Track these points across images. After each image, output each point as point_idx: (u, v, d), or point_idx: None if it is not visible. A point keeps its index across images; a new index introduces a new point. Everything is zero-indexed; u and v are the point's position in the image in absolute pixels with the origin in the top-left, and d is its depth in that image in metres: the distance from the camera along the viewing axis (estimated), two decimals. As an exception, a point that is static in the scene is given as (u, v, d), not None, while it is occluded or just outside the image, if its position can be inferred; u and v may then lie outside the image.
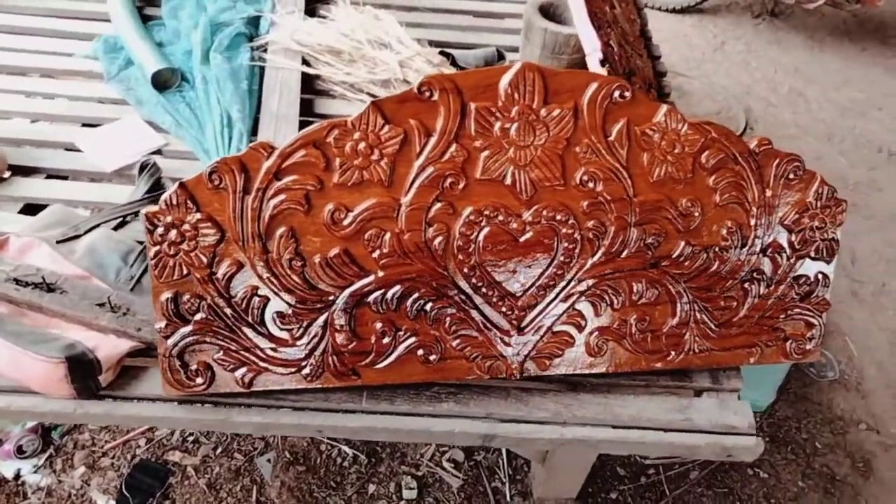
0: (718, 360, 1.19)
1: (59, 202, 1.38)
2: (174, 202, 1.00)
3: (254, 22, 1.86)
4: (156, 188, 1.40)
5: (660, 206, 1.09)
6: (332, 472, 1.82)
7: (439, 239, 1.06)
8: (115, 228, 1.33)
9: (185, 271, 1.03)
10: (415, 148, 1.02)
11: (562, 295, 1.12)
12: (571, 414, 1.16)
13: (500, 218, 1.07)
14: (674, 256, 1.12)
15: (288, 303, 1.06)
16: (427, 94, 1.00)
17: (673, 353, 1.17)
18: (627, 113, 1.05)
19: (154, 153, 1.55)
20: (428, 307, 1.09)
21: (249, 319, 1.06)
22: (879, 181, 2.99)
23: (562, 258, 1.10)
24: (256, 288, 1.05)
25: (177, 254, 1.02)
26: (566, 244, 1.09)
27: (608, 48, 1.36)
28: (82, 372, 1.07)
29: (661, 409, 1.17)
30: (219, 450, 1.84)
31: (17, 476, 1.74)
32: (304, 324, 1.07)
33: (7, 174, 1.45)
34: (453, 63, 1.73)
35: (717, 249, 1.13)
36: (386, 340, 1.09)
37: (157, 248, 1.01)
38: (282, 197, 1.01)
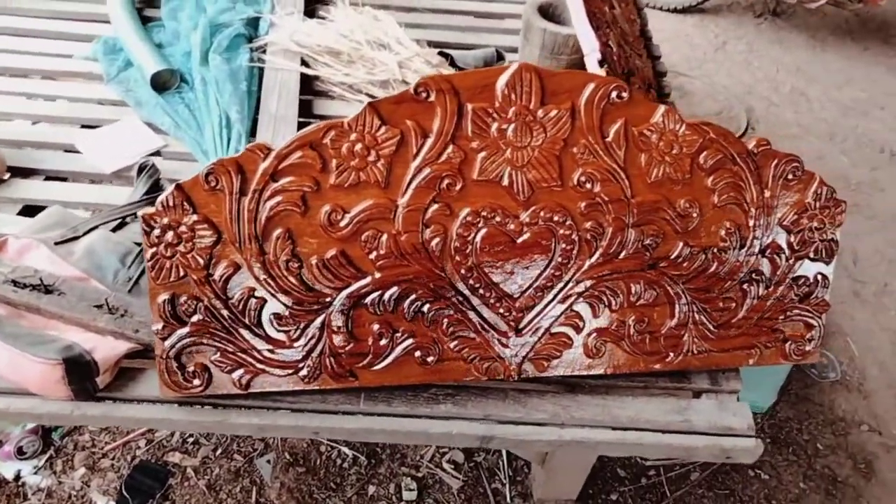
0: (717, 361, 1.19)
1: (58, 204, 1.38)
2: (171, 204, 1.00)
3: (253, 23, 1.86)
4: (154, 190, 1.40)
5: (658, 207, 1.09)
6: (331, 474, 1.82)
7: (436, 240, 1.06)
8: (114, 230, 1.33)
9: (181, 273, 1.03)
10: (411, 149, 1.02)
11: (560, 296, 1.12)
12: (570, 415, 1.15)
13: (498, 219, 1.06)
14: (672, 257, 1.12)
15: (285, 304, 1.06)
16: (424, 94, 1.00)
17: (671, 354, 1.16)
18: (625, 113, 1.05)
19: (153, 154, 1.55)
20: (425, 309, 1.09)
21: (246, 321, 1.06)
22: (881, 181, 2.98)
23: (559, 259, 1.10)
24: (253, 289, 1.05)
25: (173, 255, 1.02)
26: (564, 245, 1.09)
27: (607, 48, 1.36)
28: (79, 373, 1.07)
29: (659, 411, 1.17)
30: (218, 451, 1.84)
31: (18, 477, 1.74)
32: (302, 325, 1.07)
33: (6, 176, 1.45)
34: (452, 64, 1.73)
35: (715, 250, 1.13)
36: (383, 342, 1.09)
37: (154, 249, 1.01)
38: (278, 198, 1.01)
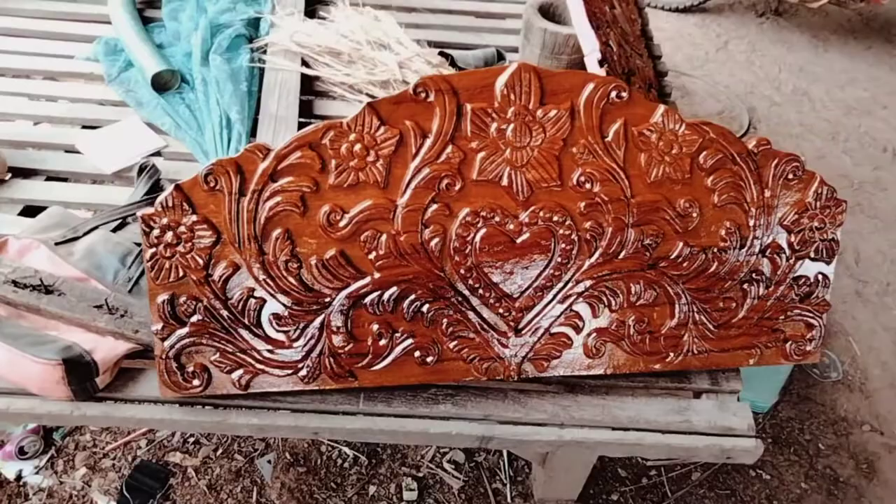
0: (717, 361, 1.18)
1: (58, 204, 1.38)
2: (170, 204, 1.00)
3: (254, 23, 1.86)
4: (155, 190, 1.41)
5: (657, 207, 1.09)
6: (332, 474, 1.82)
7: (436, 240, 1.06)
8: (115, 230, 1.33)
9: (181, 273, 1.03)
10: (411, 149, 1.02)
11: (559, 296, 1.12)
12: (569, 415, 1.15)
13: (497, 219, 1.06)
14: (672, 257, 1.12)
15: (284, 304, 1.06)
16: (423, 95, 1.00)
17: (671, 354, 1.16)
18: (624, 113, 1.04)
19: (154, 155, 1.56)
20: (425, 309, 1.09)
21: (246, 321, 1.06)
22: (884, 180, 2.97)
23: (559, 259, 1.10)
24: (253, 290, 1.05)
25: (173, 256, 1.02)
26: (563, 245, 1.09)
27: (607, 48, 1.36)
28: (79, 374, 1.07)
29: (659, 411, 1.17)
30: (219, 451, 1.84)
31: (19, 477, 1.74)
32: (301, 325, 1.07)
33: (7, 176, 1.45)
34: (452, 64, 1.73)
35: (715, 250, 1.12)
36: (383, 342, 1.09)
37: (154, 250, 1.01)
38: (277, 199, 1.01)
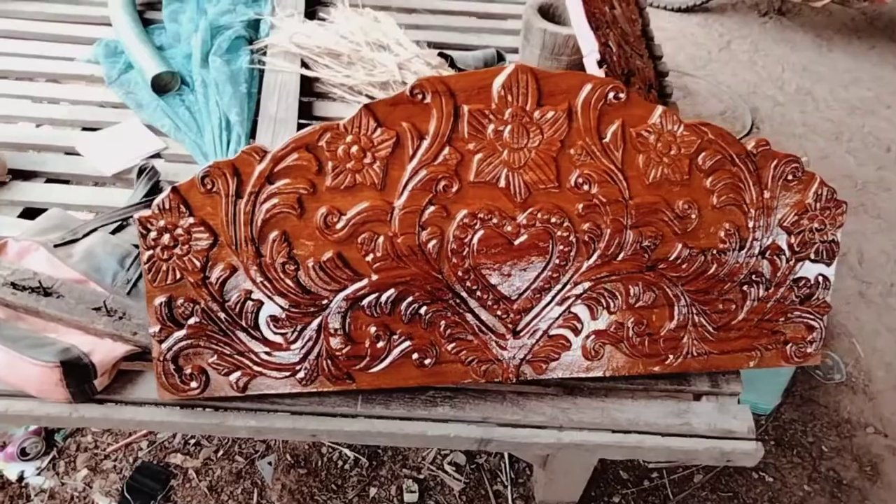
0: (717, 363, 1.18)
1: (58, 206, 1.38)
2: (167, 206, 1.00)
3: (254, 25, 1.86)
4: (154, 192, 1.41)
5: (656, 209, 1.08)
6: (333, 475, 1.82)
7: (433, 242, 1.05)
8: (114, 232, 1.33)
9: (178, 275, 1.03)
10: (407, 151, 1.02)
11: (557, 298, 1.11)
12: (568, 418, 1.15)
13: (495, 221, 1.06)
14: (671, 259, 1.11)
15: (282, 307, 1.06)
16: (419, 96, 0.99)
17: (671, 356, 1.16)
18: (622, 114, 1.04)
19: (153, 157, 1.56)
20: (422, 311, 1.09)
21: (243, 323, 1.06)
22: (888, 180, 2.96)
23: (557, 261, 1.09)
24: (250, 292, 1.05)
25: (170, 258, 1.02)
26: (561, 247, 1.08)
27: (606, 49, 1.35)
28: (77, 376, 1.07)
29: (659, 414, 1.16)
30: (220, 452, 1.84)
31: (21, 478, 1.75)
32: (298, 328, 1.07)
33: (7, 178, 1.45)
34: (452, 65, 1.73)
35: (714, 252, 1.12)
36: (380, 344, 1.09)
37: (151, 252, 1.01)
38: (274, 201, 1.01)
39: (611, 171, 1.06)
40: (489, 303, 1.10)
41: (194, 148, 1.56)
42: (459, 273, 1.08)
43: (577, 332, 1.13)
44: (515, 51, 1.87)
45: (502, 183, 1.05)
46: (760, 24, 3.99)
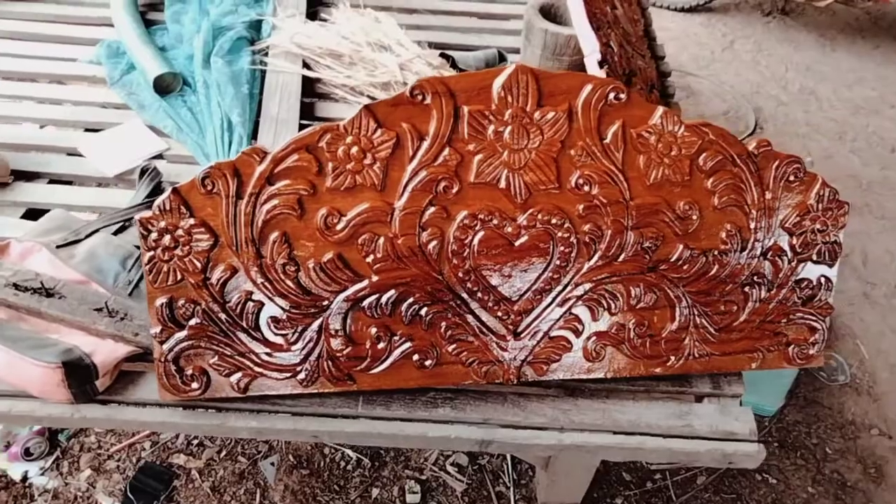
0: (719, 365, 1.17)
1: (61, 207, 1.39)
2: (167, 207, 1.00)
3: (255, 26, 1.87)
4: (156, 193, 1.41)
5: (657, 210, 1.08)
6: (335, 476, 1.82)
7: (433, 243, 1.05)
8: (116, 233, 1.33)
9: (179, 276, 1.03)
10: (408, 152, 1.02)
11: (558, 299, 1.11)
12: (569, 419, 1.14)
13: (495, 222, 1.06)
14: (672, 260, 1.11)
15: (282, 308, 1.06)
16: (419, 97, 0.99)
17: (672, 358, 1.15)
18: (623, 115, 1.04)
19: (155, 157, 1.56)
20: (423, 312, 1.08)
21: (244, 324, 1.06)
22: (892, 180, 2.94)
23: (558, 262, 1.09)
24: (251, 293, 1.05)
25: (171, 259, 1.02)
26: (562, 248, 1.08)
27: (607, 49, 1.35)
28: (79, 377, 1.07)
29: (660, 415, 1.16)
30: (223, 453, 1.84)
31: (25, 478, 1.75)
32: (299, 329, 1.07)
33: (10, 179, 1.46)
34: (453, 65, 1.73)
35: (716, 253, 1.11)
36: (381, 345, 1.09)
37: (152, 253, 1.01)
38: (275, 202, 1.01)
39: (611, 172, 1.05)
40: (490, 304, 1.10)
41: (196, 149, 1.56)
42: (460, 274, 1.08)
43: (578, 333, 1.13)
44: (517, 51, 1.87)
45: (503, 184, 1.04)
46: (764, 23, 3.98)
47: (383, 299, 1.07)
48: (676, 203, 1.08)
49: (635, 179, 1.06)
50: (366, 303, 1.07)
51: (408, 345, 1.10)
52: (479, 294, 1.09)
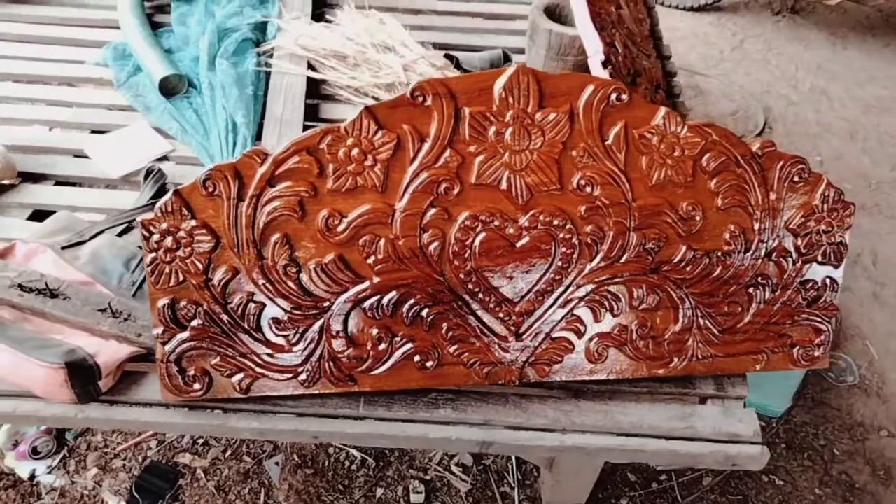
0: (723, 366, 1.17)
1: (67, 208, 1.40)
2: (169, 209, 1.00)
3: (261, 27, 1.87)
4: (161, 194, 1.42)
5: (659, 211, 1.07)
6: (339, 476, 1.82)
7: (435, 244, 1.05)
8: (120, 234, 1.34)
9: (181, 278, 1.03)
10: (408, 153, 1.01)
11: (560, 300, 1.11)
12: (570, 421, 1.14)
13: (496, 223, 1.05)
14: (675, 261, 1.10)
15: (284, 309, 1.06)
16: (420, 98, 0.99)
17: (675, 359, 1.15)
18: (625, 116, 1.03)
19: (161, 159, 1.57)
20: (424, 313, 1.08)
21: (245, 325, 1.06)
22: (904, 180, 2.92)
23: (560, 263, 1.08)
24: (252, 294, 1.05)
25: (173, 260, 1.02)
26: (564, 249, 1.08)
27: (611, 50, 1.34)
28: (82, 377, 1.08)
29: (662, 417, 1.15)
30: (228, 452, 1.85)
31: (32, 476, 1.77)
32: (300, 330, 1.07)
33: (17, 181, 1.47)
34: (458, 66, 1.73)
35: (719, 254, 1.11)
36: (382, 346, 1.09)
37: (154, 254, 1.02)
38: (276, 203, 1.02)
39: (613, 173, 1.05)
40: (491, 305, 1.10)
41: (201, 150, 1.57)
42: (461, 275, 1.07)
43: (580, 334, 1.12)
44: (522, 51, 1.87)
45: (504, 185, 1.04)
46: (773, 22, 3.95)
47: (384, 300, 1.07)
48: (679, 204, 1.08)
49: (638, 180, 1.06)
50: (367, 304, 1.07)
51: (409, 346, 1.10)
52: (481, 295, 1.09)
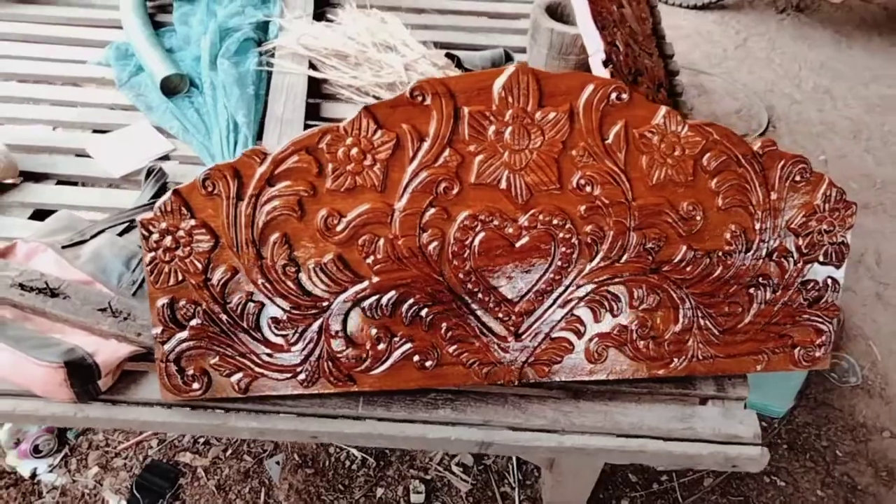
0: (723, 367, 1.16)
1: (68, 208, 1.40)
2: (168, 209, 1.00)
3: (262, 27, 1.87)
4: (162, 193, 1.42)
5: (660, 210, 1.07)
6: (340, 475, 1.82)
7: (434, 244, 1.05)
8: (121, 234, 1.34)
9: (180, 277, 1.03)
10: (408, 153, 1.01)
11: (560, 300, 1.10)
12: (570, 422, 1.14)
13: (496, 223, 1.05)
14: (675, 261, 1.10)
15: (283, 308, 1.06)
16: (419, 98, 0.99)
17: (675, 360, 1.14)
18: (625, 115, 1.03)
19: (162, 158, 1.57)
20: (423, 313, 1.08)
21: (245, 325, 1.06)
22: (908, 180, 2.90)
23: (559, 263, 1.08)
24: (251, 293, 1.05)
25: (172, 260, 1.02)
26: (563, 249, 1.07)
27: (612, 48, 1.34)
28: (81, 376, 1.08)
29: (662, 418, 1.15)
30: (228, 452, 1.85)
31: (34, 475, 1.77)
32: (300, 329, 1.07)
33: (19, 180, 1.47)
34: (459, 65, 1.72)
35: (720, 254, 1.10)
36: (381, 346, 1.09)
37: (153, 254, 1.02)
38: (275, 203, 1.01)
39: (613, 173, 1.04)
40: (491, 305, 1.10)
41: (202, 150, 1.57)
42: (460, 275, 1.07)
43: (579, 334, 1.12)
44: (524, 50, 1.86)
45: (503, 185, 1.04)
46: (777, 20, 3.94)
47: (384, 300, 1.07)
48: (680, 204, 1.07)
49: (638, 180, 1.05)
50: (366, 304, 1.07)
51: (408, 346, 1.09)
52: (480, 295, 1.09)
